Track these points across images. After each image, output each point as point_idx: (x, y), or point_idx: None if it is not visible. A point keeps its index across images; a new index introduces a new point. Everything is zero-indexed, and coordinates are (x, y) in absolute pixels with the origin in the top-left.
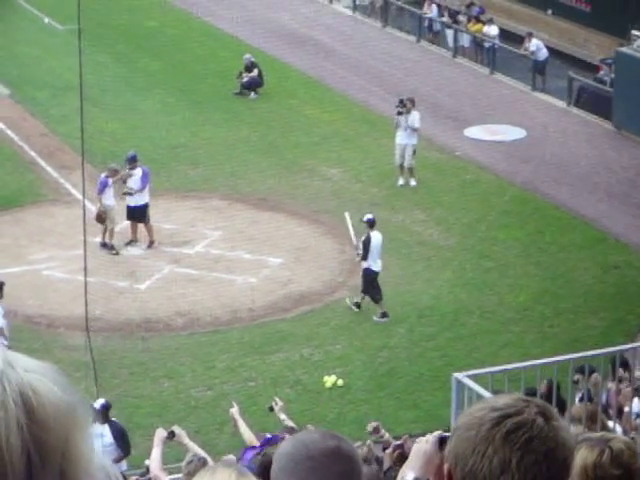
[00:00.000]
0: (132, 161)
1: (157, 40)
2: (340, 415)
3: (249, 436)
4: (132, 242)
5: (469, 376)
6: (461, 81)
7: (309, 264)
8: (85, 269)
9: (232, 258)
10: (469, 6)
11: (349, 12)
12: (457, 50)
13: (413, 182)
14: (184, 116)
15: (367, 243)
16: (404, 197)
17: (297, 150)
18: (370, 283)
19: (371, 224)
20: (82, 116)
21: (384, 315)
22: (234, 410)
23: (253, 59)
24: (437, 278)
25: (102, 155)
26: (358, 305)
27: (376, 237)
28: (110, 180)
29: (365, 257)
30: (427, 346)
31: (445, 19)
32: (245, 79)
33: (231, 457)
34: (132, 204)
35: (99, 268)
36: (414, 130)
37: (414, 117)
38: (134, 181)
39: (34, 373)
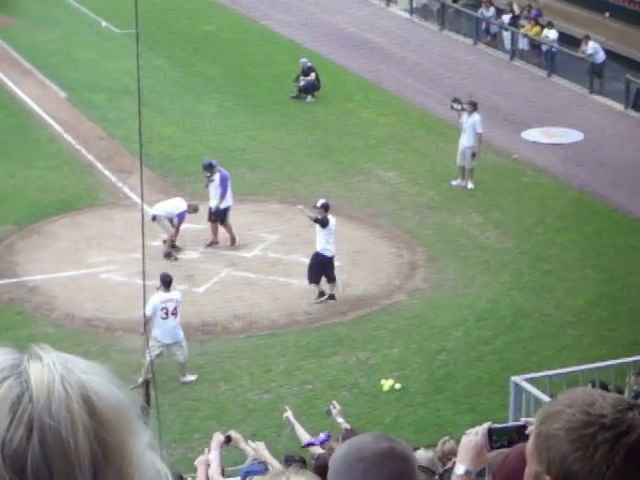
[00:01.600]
0: (209, 168)
1: (214, 44)
2: (397, 419)
3: (306, 438)
4: (213, 244)
5: (527, 379)
6: (518, 84)
7: (366, 267)
8: (144, 272)
9: (289, 261)
10: (527, 9)
11: (406, 15)
12: (514, 53)
13: (470, 185)
14: (241, 120)
15: (325, 223)
16: (461, 200)
17: (354, 153)
18: (320, 267)
19: (326, 208)
20: (140, 120)
21: (322, 294)
22: (289, 414)
23: (310, 63)
24: (494, 281)
25: (159, 159)
26: (332, 297)
27: (332, 220)
28: (186, 215)
29: (319, 221)
30: (484, 350)
31: (506, 17)
32: (302, 83)
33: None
34: (213, 206)
35: (157, 272)
36: (476, 134)
37: (475, 120)
38: (214, 187)
39: (91, 374)
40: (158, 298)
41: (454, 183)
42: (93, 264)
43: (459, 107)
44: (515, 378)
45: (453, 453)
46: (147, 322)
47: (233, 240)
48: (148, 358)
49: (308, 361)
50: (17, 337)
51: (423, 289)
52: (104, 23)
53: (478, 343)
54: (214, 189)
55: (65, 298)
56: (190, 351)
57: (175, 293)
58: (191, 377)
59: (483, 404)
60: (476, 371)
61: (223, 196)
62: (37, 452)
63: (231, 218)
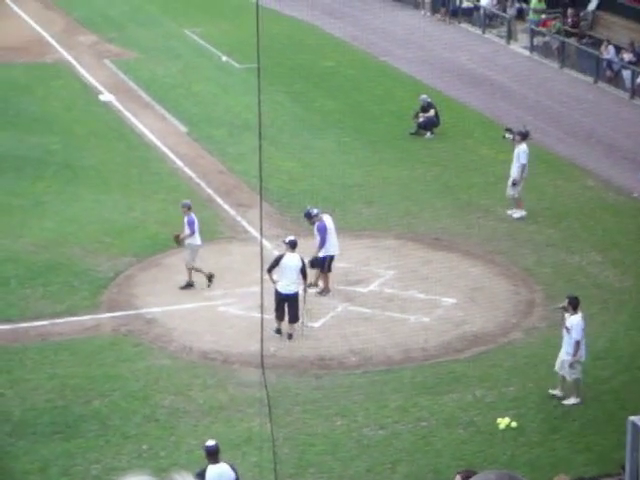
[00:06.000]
0: (308, 217)
1: (334, 80)
2: (513, 457)
3: None
4: (323, 292)
5: None
6: (639, 122)
7: (483, 305)
8: (262, 306)
9: (405, 297)
10: None
11: (526, 53)
12: (635, 91)
13: (516, 214)
14: (359, 155)
15: (278, 259)
16: (580, 239)
17: (472, 190)
18: (276, 302)
19: (292, 245)
20: (261, 155)
21: (277, 331)
22: None
23: (429, 99)
24: (613, 321)
25: (278, 194)
26: (279, 331)
27: (289, 258)
28: (193, 217)
29: (270, 270)
30: (601, 389)
31: (627, 55)
32: (421, 119)
33: None
34: (320, 255)
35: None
36: (520, 164)
37: (520, 150)
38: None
39: None
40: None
41: (509, 212)
42: (211, 297)
43: (511, 137)
44: (633, 418)
45: None
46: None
47: (323, 290)
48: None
49: (424, 398)
50: (135, 369)
51: (540, 327)
52: (224, 58)
53: (595, 382)
54: (316, 238)
55: (183, 330)
56: (306, 385)
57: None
58: (574, 400)
59: (600, 444)
60: (593, 411)
61: (321, 246)
62: None
63: (347, 253)
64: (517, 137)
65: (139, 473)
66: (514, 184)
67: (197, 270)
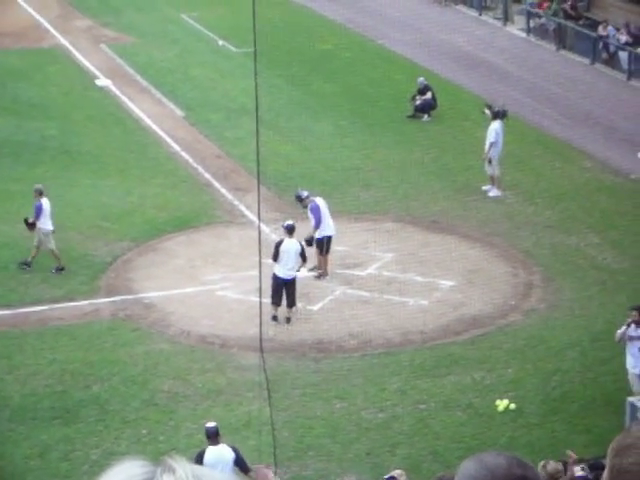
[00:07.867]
0: (298, 200)
1: (331, 63)
2: (512, 439)
3: None
4: (321, 276)
5: None
6: (636, 104)
7: (481, 287)
8: (260, 290)
9: (404, 280)
10: None
11: (523, 35)
12: (632, 73)
13: (492, 193)
14: (357, 138)
15: (277, 245)
16: (578, 220)
17: (469, 172)
18: (273, 287)
19: (289, 230)
20: (258, 138)
21: (274, 318)
22: None
23: (426, 82)
24: (611, 302)
25: (275, 177)
26: (275, 318)
27: (288, 243)
28: (41, 203)
29: (275, 259)
30: (600, 370)
31: (624, 37)
32: (418, 102)
33: None
34: (317, 236)
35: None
36: (489, 142)
37: (490, 128)
38: (310, 218)
39: None
40: None
41: (484, 188)
42: (209, 281)
43: (488, 114)
44: (631, 399)
45: (558, 473)
46: None
47: (321, 273)
48: None
49: (422, 380)
50: (133, 354)
51: (539, 309)
52: (221, 42)
53: (594, 364)
54: (310, 220)
55: (181, 315)
56: (305, 369)
57: None
58: None
59: (599, 425)
60: (592, 392)
61: (317, 226)
62: None
63: (345, 237)
64: (490, 114)
65: (133, 459)
66: (489, 162)
67: (34, 255)
